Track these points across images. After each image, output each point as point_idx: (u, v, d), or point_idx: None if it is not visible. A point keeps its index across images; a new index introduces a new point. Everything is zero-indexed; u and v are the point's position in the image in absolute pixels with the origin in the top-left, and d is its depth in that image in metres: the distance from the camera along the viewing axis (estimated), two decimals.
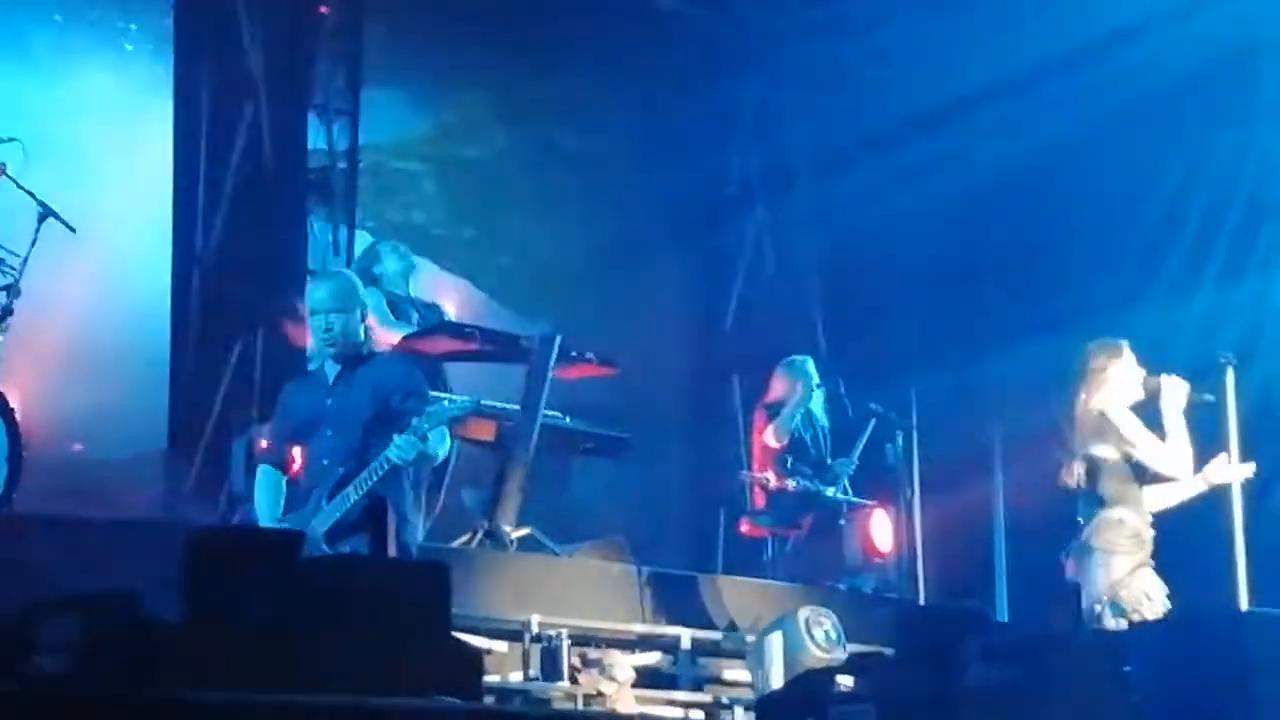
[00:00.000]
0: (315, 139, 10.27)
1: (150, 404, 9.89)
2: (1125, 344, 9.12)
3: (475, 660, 5.93)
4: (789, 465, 10.95)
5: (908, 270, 12.87)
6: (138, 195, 10.50)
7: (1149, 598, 8.80)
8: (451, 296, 10.95)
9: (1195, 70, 12.99)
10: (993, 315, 13.39)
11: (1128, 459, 8.85)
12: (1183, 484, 9.02)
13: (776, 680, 8.79)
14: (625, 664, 8.70)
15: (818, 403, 11.30)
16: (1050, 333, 12.82)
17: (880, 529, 10.88)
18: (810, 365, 11.32)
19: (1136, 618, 8.66)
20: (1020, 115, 13.29)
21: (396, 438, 7.19)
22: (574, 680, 8.50)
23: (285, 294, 9.78)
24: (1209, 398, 9.09)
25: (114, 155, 10.72)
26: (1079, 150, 13.08)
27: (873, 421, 10.93)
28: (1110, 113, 13.04)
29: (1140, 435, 8.87)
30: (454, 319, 10.19)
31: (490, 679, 7.83)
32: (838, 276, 12.95)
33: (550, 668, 8.47)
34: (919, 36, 12.94)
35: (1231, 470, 9.11)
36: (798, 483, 10.88)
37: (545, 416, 9.41)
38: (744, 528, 11.10)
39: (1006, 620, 10.99)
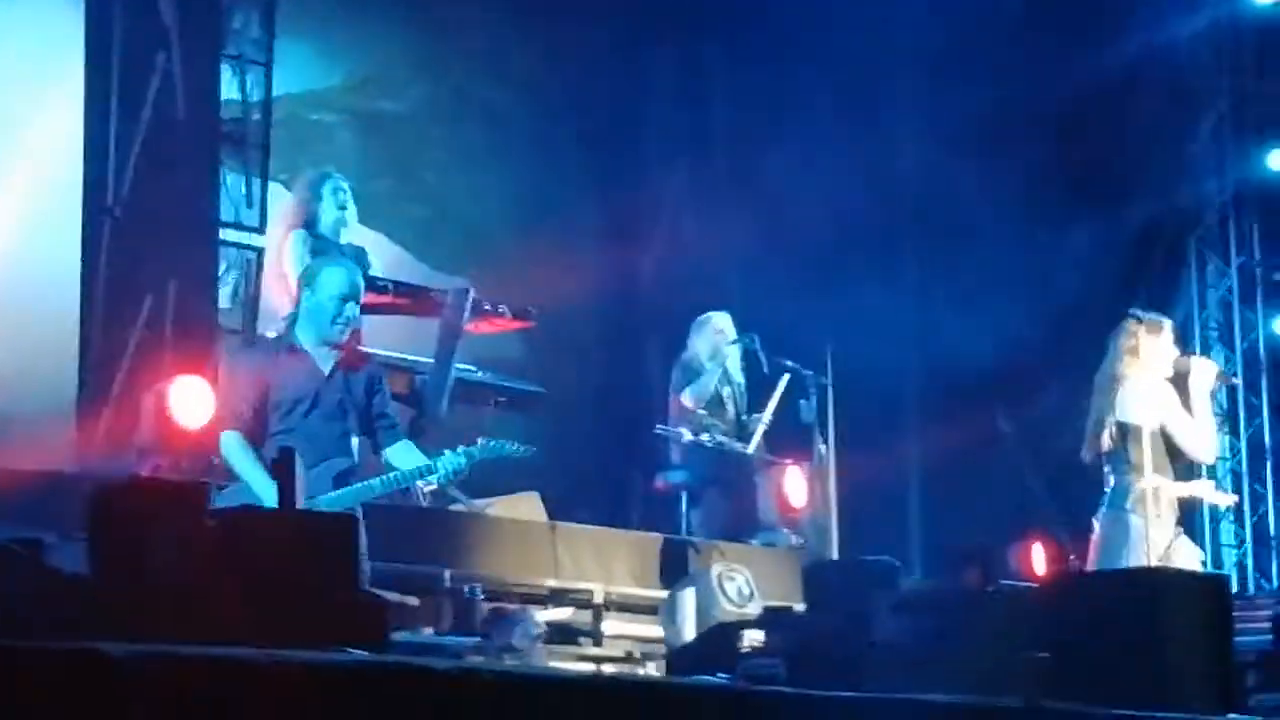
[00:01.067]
0: (229, 90, 10.17)
1: (60, 357, 9.79)
2: (1168, 322, 9.23)
3: (383, 614, 5.91)
4: (704, 421, 10.96)
5: (825, 228, 12.88)
6: (52, 147, 10.38)
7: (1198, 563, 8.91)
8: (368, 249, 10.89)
9: None
10: (910, 275, 13.45)
11: (1163, 429, 8.94)
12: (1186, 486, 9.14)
13: (689, 635, 8.81)
14: (538, 618, 8.71)
15: (734, 359, 11.30)
16: (964, 295, 12.94)
17: (794, 485, 10.90)
18: (727, 321, 11.32)
19: None
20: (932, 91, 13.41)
21: (450, 454, 7.53)
22: (486, 635, 8.50)
23: (196, 246, 9.71)
24: (1236, 381, 9.22)
25: (25, 108, 10.60)
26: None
27: (787, 378, 10.94)
28: None
29: (1178, 410, 8.97)
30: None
31: (400, 634, 7.80)
32: (757, 233, 12.94)
33: (462, 622, 8.46)
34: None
35: (1217, 496, 9.29)
36: (712, 439, 10.89)
37: (458, 370, 9.38)
38: (658, 483, 11.11)
39: (918, 576, 11.03)
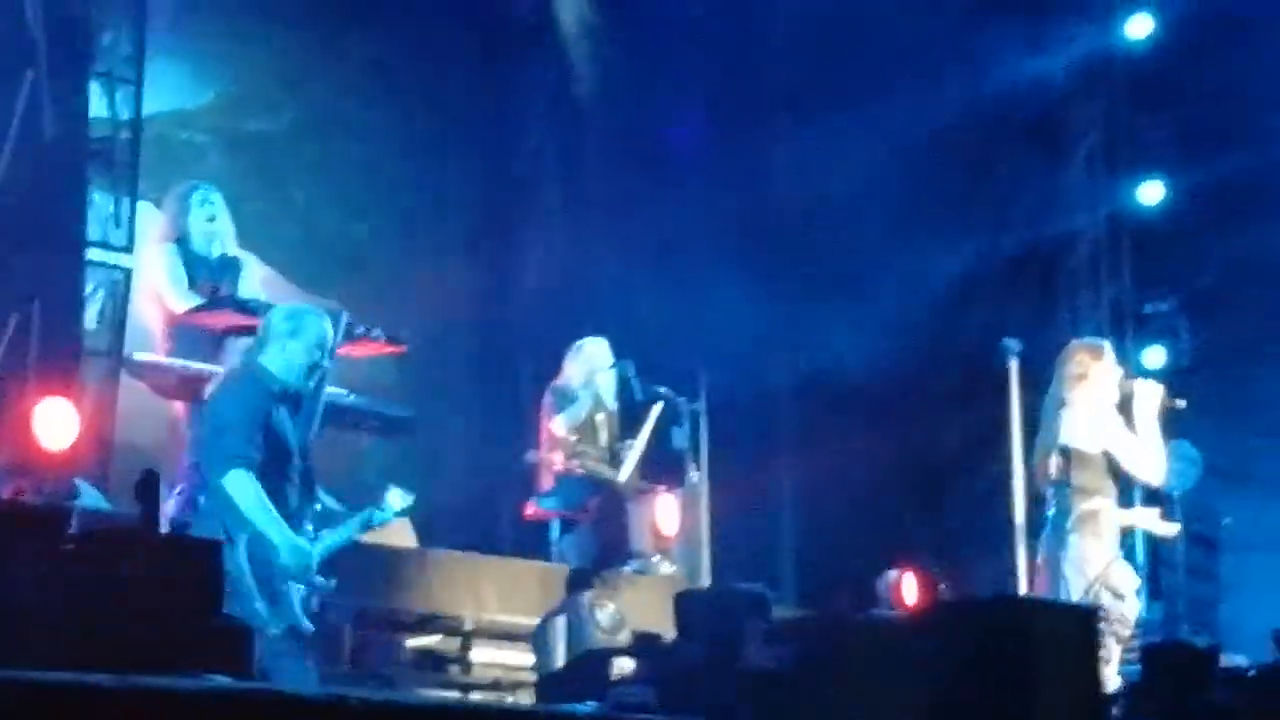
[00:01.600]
0: (97, 108, 10.02)
1: None
2: (1106, 344, 9.35)
3: (247, 639, 5.82)
4: (576, 448, 10.92)
5: (699, 253, 12.91)
6: None
7: (1119, 595, 9.00)
8: (256, 283, 10.77)
9: None
10: (782, 300, 13.49)
11: (1106, 454, 9.04)
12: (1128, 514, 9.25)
13: (559, 663, 8.76)
14: (406, 645, 8.64)
15: (608, 386, 11.27)
16: (837, 322, 12.99)
17: (666, 513, 10.88)
18: (601, 347, 11.29)
19: (1124, 606, 8.85)
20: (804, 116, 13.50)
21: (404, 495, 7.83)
22: (354, 662, 8.41)
23: (63, 265, 9.56)
24: (1180, 403, 9.31)
25: None
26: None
27: (661, 405, 10.93)
28: None
29: (1121, 434, 9.07)
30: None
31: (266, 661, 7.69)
32: (629, 258, 12.94)
33: (330, 648, 8.36)
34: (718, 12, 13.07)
35: (1160, 525, 9.39)
36: (584, 465, 10.86)
37: (329, 394, 9.27)
38: (529, 510, 11.05)
39: (790, 604, 11.04)
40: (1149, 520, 9.70)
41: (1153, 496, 10.54)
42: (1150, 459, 9.22)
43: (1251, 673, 8.51)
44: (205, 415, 8.04)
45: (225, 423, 7.73)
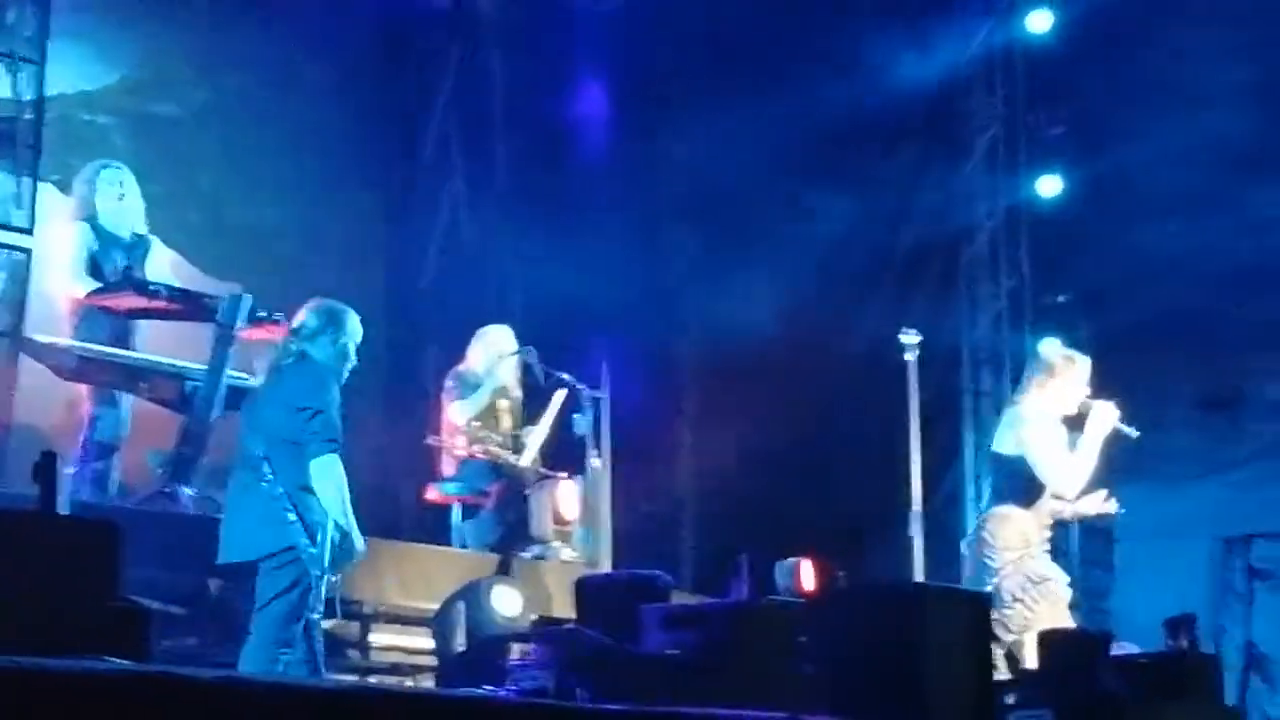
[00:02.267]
0: (0, 88, 9.97)
1: None
2: (1083, 359, 9.38)
3: (145, 622, 5.81)
4: (478, 433, 10.94)
5: (602, 238, 12.96)
6: None
7: (1033, 581, 9.10)
8: (162, 261, 10.73)
9: None
10: (686, 288, 13.57)
11: (1024, 460, 9.12)
12: (1066, 506, 9.31)
13: (459, 648, 8.78)
14: None
15: (511, 372, 11.29)
16: (740, 307, 13.07)
17: (567, 498, 10.91)
18: (505, 334, 11.31)
19: (1020, 608, 8.94)
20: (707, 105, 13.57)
21: None
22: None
23: None
24: (1134, 433, 9.38)
25: None
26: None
27: (564, 392, 10.97)
28: None
29: (1042, 444, 9.11)
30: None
31: (165, 642, 7.69)
32: (533, 245, 12.97)
33: (228, 632, 8.35)
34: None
35: (1104, 505, 9.45)
36: (486, 451, 10.88)
37: (231, 378, 9.27)
38: (431, 495, 11.07)
39: (691, 589, 11.11)
40: (1095, 505, 9.71)
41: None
42: (1067, 473, 9.29)
43: (1142, 660, 8.65)
44: (274, 399, 8.10)
45: (319, 406, 7.97)
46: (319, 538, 7.67)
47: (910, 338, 10.15)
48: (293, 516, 7.70)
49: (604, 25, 13.58)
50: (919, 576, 9.79)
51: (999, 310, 15.22)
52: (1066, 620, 9.27)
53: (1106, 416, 9.37)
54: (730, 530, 12.34)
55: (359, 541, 7.88)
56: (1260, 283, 13.54)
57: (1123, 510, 9.70)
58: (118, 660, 4.83)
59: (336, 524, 7.76)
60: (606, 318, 12.47)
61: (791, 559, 11.14)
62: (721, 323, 13.32)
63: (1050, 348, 9.61)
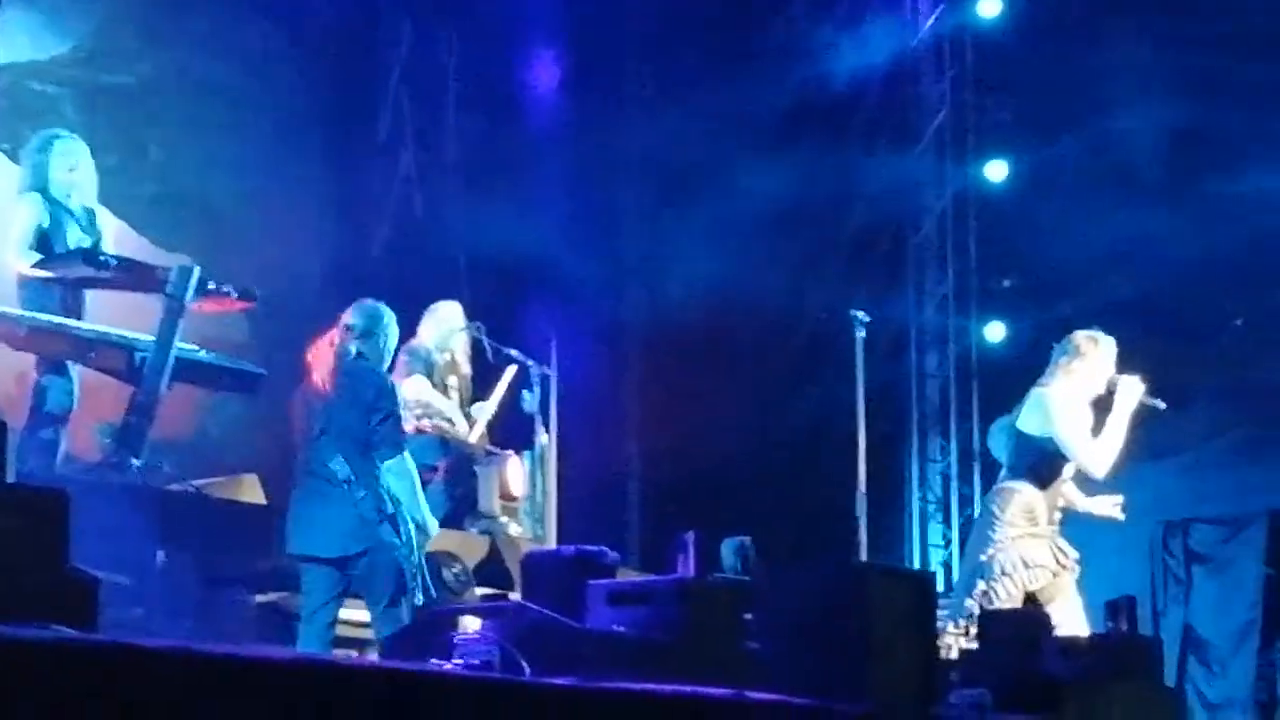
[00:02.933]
0: None
1: None
2: (1108, 340, 9.41)
3: (93, 591, 5.81)
4: (428, 408, 10.96)
5: (554, 216, 12.98)
6: None
7: (1025, 564, 9.14)
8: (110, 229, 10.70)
9: None
10: (636, 267, 13.61)
11: (1049, 442, 9.17)
12: (1078, 498, 9.38)
13: (405, 621, 8.79)
14: (255, 601, 8.65)
15: (461, 348, 11.31)
16: (690, 287, 13.12)
17: (515, 475, 10.95)
18: (455, 310, 11.32)
19: (1007, 583, 8.99)
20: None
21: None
22: (200, 618, 8.41)
23: None
24: (1161, 404, 9.44)
25: None
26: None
27: (513, 368, 10.99)
28: None
29: (1072, 427, 9.16)
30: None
31: (111, 612, 7.69)
32: (484, 221, 12.98)
33: (176, 605, 8.36)
34: None
35: (1112, 509, 9.54)
36: (435, 426, 10.90)
37: (180, 349, 9.25)
38: None
39: (637, 566, 11.16)
40: (1104, 507, 9.80)
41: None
42: (1098, 453, 9.36)
43: (1083, 641, 8.73)
44: (346, 403, 8.56)
45: (388, 409, 8.61)
46: (402, 531, 8.31)
47: (859, 318, 10.24)
48: (378, 516, 8.27)
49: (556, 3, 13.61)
50: (863, 555, 9.86)
51: (945, 294, 15.30)
52: (1073, 603, 9.35)
53: (1133, 390, 9.45)
54: (676, 508, 12.41)
55: (433, 527, 8.71)
56: (1204, 272, 13.64)
57: (1124, 517, 9.81)
58: (66, 629, 4.84)
59: (412, 515, 8.43)
60: (556, 293, 12.51)
61: (737, 538, 11.23)
62: (671, 300, 13.36)
63: (1077, 333, 9.62)
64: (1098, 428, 9.40)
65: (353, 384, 8.56)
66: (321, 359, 8.75)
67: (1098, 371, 9.47)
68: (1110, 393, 9.45)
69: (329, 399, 8.57)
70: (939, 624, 8.52)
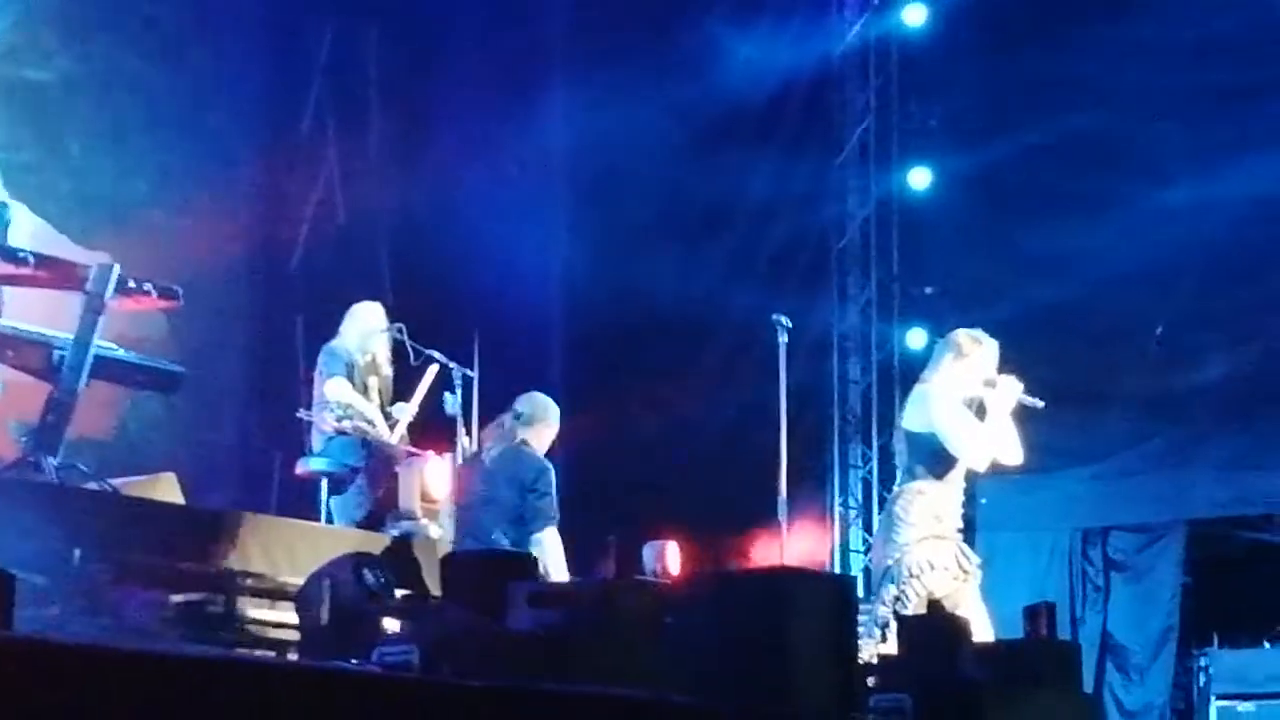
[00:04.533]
0: None
1: None
2: (990, 341, 9.46)
3: (9, 589, 5.75)
4: (347, 409, 10.92)
5: (475, 218, 12.96)
6: None
7: (931, 566, 9.16)
8: (24, 224, 10.59)
9: None
10: (560, 266, 13.60)
11: (934, 436, 9.20)
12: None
13: (324, 622, 8.74)
14: (170, 600, 8.57)
15: (382, 349, 11.28)
16: (613, 286, 13.12)
17: (436, 476, 10.91)
18: (377, 311, 11.30)
19: (916, 585, 9.00)
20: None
21: None
22: (115, 616, 8.33)
23: None
24: (1039, 403, 9.48)
25: None
26: None
27: (434, 369, 10.96)
28: None
29: (951, 420, 9.20)
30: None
31: (27, 611, 7.61)
32: (407, 223, 12.95)
33: (90, 602, 8.28)
34: None
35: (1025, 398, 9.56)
36: (355, 427, 10.86)
37: (98, 348, 9.18)
38: (299, 469, 11.02)
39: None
40: (1012, 392, 9.71)
41: None
42: (977, 446, 9.42)
43: (1002, 647, 8.76)
44: (509, 477, 9.78)
45: (545, 489, 9.74)
46: None
47: (782, 322, 10.30)
48: None
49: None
50: (784, 559, 9.88)
51: (868, 299, 15.36)
52: (976, 607, 9.37)
53: (1012, 389, 9.52)
54: (598, 511, 12.39)
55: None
56: (1126, 280, 13.72)
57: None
58: None
59: None
60: (478, 296, 12.48)
61: (658, 541, 11.24)
62: (594, 303, 13.35)
63: (959, 331, 9.70)
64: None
65: (515, 466, 9.76)
66: (490, 438, 10.02)
67: (978, 370, 9.54)
68: (991, 389, 9.53)
69: (494, 475, 9.79)
70: (859, 631, 8.55)
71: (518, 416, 9.87)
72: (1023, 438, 9.65)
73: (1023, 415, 9.62)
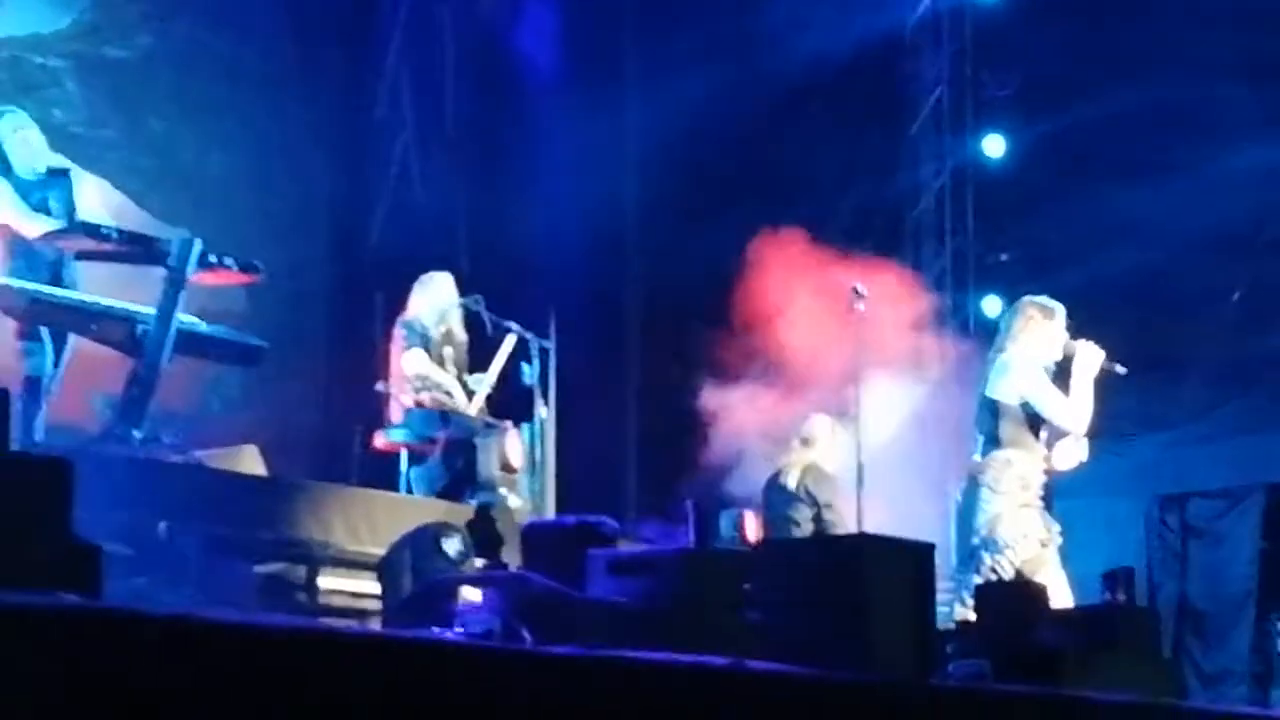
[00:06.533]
0: None
1: None
2: (1059, 307, 9.47)
3: (97, 560, 5.84)
4: (425, 381, 10.98)
5: (553, 188, 13.00)
6: None
7: (1025, 535, 9.16)
8: (92, 196, 10.70)
9: None
10: (634, 238, 13.63)
11: (1025, 406, 9.21)
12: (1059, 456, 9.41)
13: (405, 592, 8.82)
14: (254, 571, 8.68)
15: (457, 320, 11.33)
16: (686, 259, 13.13)
17: (514, 447, 10.96)
18: (449, 281, 11.33)
19: (1011, 554, 9.02)
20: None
21: None
22: (201, 588, 8.43)
23: None
24: (1122, 369, 9.50)
25: None
26: None
27: (512, 340, 11.01)
28: None
29: (1038, 386, 9.23)
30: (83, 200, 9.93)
31: (114, 583, 7.71)
32: (483, 195, 13.01)
33: (176, 574, 8.39)
34: None
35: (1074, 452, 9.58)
36: (433, 399, 10.92)
37: (181, 322, 9.28)
38: (378, 442, 11.09)
39: (636, 537, 11.18)
40: (1095, 358, 9.70)
41: None
42: (1070, 411, 9.42)
43: (1080, 613, 8.76)
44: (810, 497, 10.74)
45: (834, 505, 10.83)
46: None
47: (861, 290, 10.32)
48: None
49: None
50: (866, 526, 9.89)
51: (943, 268, 15.32)
52: (1056, 574, 9.38)
53: (1092, 356, 9.51)
54: (677, 480, 12.44)
55: None
56: (1203, 245, 13.65)
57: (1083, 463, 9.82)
58: (71, 596, 4.86)
59: None
60: (555, 267, 12.53)
61: (736, 509, 11.25)
62: (670, 272, 13.37)
63: (1027, 300, 9.70)
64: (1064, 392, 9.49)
65: (816, 485, 10.84)
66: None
67: (1051, 338, 9.53)
68: (1069, 358, 9.52)
69: (796, 493, 10.73)
70: (948, 599, 8.58)
71: (804, 440, 11.09)
72: (1100, 404, 9.62)
73: (1102, 382, 9.60)
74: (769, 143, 13.76)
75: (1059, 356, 9.54)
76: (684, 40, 13.44)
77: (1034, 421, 9.43)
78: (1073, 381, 9.48)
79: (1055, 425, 9.44)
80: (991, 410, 9.49)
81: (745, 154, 13.68)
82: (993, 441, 9.46)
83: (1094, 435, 9.80)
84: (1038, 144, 14.77)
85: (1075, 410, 9.43)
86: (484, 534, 9.40)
